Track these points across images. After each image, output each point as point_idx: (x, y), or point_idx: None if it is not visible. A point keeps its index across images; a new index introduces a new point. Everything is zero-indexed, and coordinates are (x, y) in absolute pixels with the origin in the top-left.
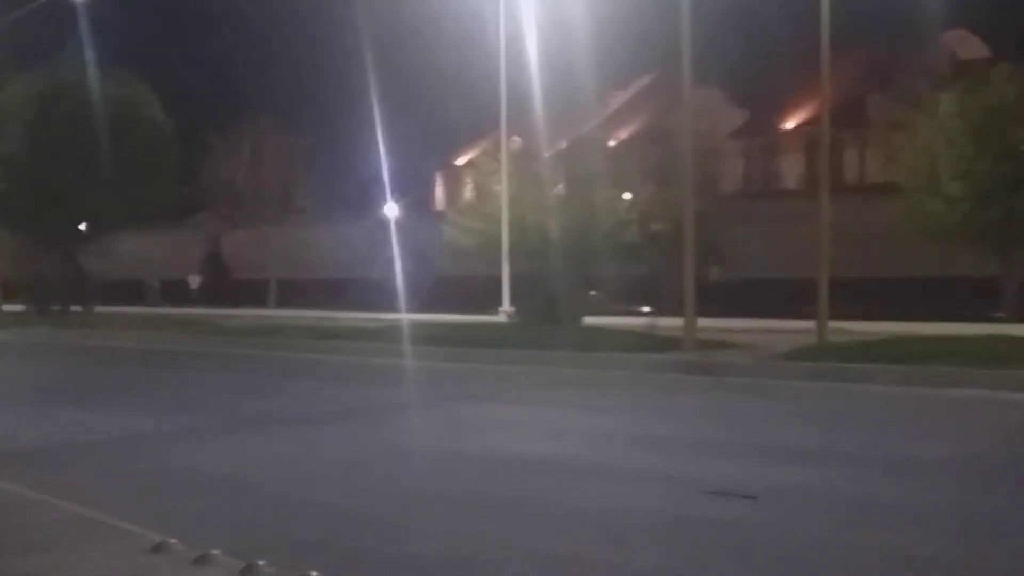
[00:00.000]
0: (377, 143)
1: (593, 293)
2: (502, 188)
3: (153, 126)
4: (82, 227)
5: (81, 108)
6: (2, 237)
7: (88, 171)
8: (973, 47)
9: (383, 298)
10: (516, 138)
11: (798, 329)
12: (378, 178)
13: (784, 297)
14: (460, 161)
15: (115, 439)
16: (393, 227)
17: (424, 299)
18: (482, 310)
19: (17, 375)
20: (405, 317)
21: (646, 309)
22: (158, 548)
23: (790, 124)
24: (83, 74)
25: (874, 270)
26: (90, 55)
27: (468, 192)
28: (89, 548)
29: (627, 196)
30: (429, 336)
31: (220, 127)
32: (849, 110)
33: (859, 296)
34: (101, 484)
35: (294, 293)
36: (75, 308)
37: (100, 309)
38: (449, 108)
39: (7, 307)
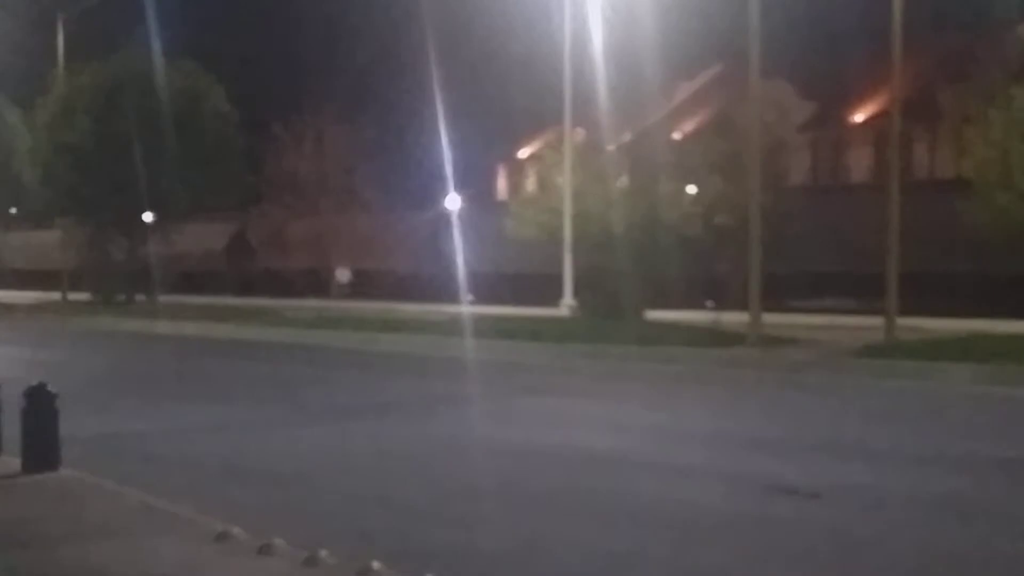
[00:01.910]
0: (440, 134)
1: (709, 303)
2: (565, 180)
3: (218, 116)
4: (147, 217)
5: (147, 99)
6: (69, 227)
7: (154, 161)
8: None
9: (445, 290)
10: (580, 130)
11: (866, 325)
12: (441, 170)
13: (852, 292)
14: (523, 153)
15: (177, 429)
16: (455, 219)
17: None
18: (544, 303)
19: (85, 365)
20: (467, 309)
21: (710, 303)
22: (222, 537)
23: (859, 117)
24: (149, 65)
25: (945, 266)
26: (156, 46)
27: (531, 184)
28: (155, 536)
29: (692, 189)
30: (492, 329)
31: (284, 118)
32: (920, 103)
33: (929, 292)
34: (165, 472)
35: (356, 284)
36: (140, 297)
37: (164, 298)
38: (513, 99)
39: (73, 296)
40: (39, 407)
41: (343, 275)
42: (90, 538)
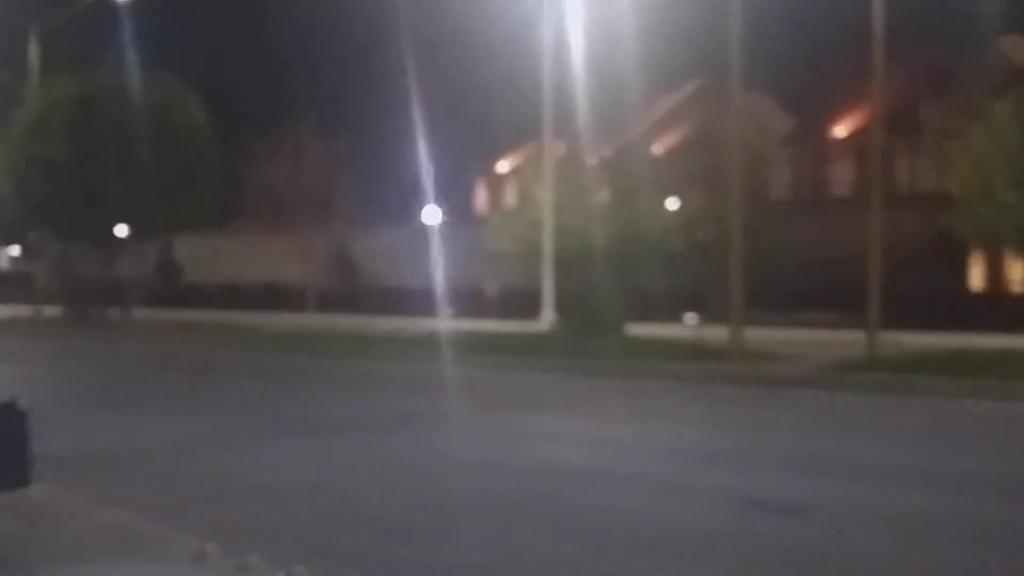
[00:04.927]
0: (419, 149)
1: (691, 317)
2: (545, 194)
3: (194, 130)
4: (121, 232)
5: (122, 112)
6: (42, 242)
7: (128, 175)
8: None
9: (424, 304)
10: (560, 144)
11: (847, 339)
12: (420, 184)
13: (833, 306)
14: (503, 167)
15: (155, 445)
16: (434, 233)
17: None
18: (524, 318)
19: (58, 379)
20: (446, 324)
21: (691, 318)
22: (199, 555)
23: (841, 131)
24: (125, 78)
25: (925, 280)
26: (132, 59)
27: (511, 198)
28: (130, 555)
29: (672, 203)
30: (471, 344)
31: (262, 132)
32: (901, 117)
33: (910, 306)
34: (141, 490)
35: (335, 299)
36: (113, 313)
37: (139, 314)
38: (492, 113)
39: (45, 310)
40: (11, 423)
41: (491, 287)
42: (64, 558)
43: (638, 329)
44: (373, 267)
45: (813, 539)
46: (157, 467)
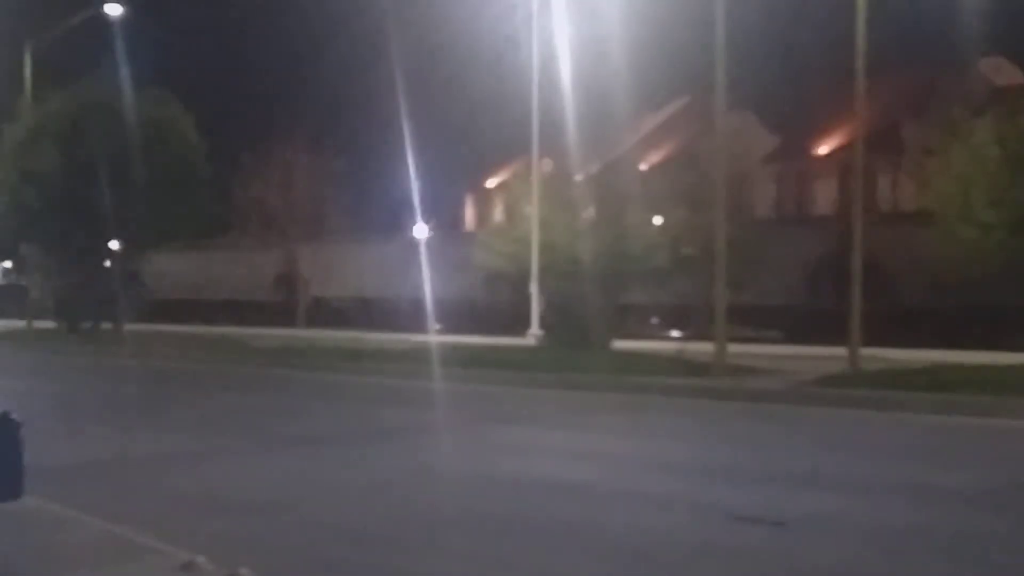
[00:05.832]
0: (408, 164)
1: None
2: (532, 211)
3: (185, 145)
4: (113, 245)
5: (114, 126)
6: (33, 255)
7: (120, 189)
8: (1009, 74)
9: (412, 319)
10: (548, 160)
11: (829, 356)
12: (409, 199)
13: (815, 323)
14: (491, 183)
15: (146, 457)
16: (423, 248)
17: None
18: (511, 333)
19: (49, 392)
20: (434, 339)
21: (676, 334)
22: (187, 567)
23: (824, 149)
24: (117, 92)
25: (907, 297)
26: (124, 74)
27: (498, 214)
28: (119, 566)
29: (658, 220)
30: (460, 358)
31: (253, 147)
32: (883, 136)
33: (892, 323)
34: (131, 502)
35: (323, 313)
36: (106, 326)
37: (130, 327)
38: (481, 130)
39: (37, 324)
40: (4, 435)
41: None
42: (54, 569)
43: (624, 345)
44: (360, 281)
45: (799, 554)
46: (144, 479)
